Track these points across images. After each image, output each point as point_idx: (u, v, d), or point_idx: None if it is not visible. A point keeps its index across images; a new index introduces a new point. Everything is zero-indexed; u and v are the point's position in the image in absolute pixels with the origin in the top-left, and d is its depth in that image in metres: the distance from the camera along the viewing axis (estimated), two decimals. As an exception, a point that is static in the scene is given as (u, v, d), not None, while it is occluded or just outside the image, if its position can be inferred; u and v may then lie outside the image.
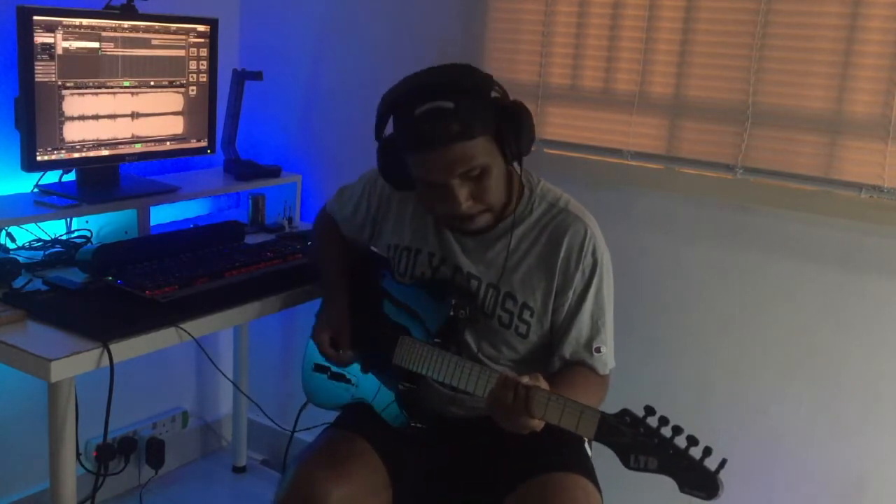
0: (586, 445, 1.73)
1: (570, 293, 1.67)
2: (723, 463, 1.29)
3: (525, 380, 1.43)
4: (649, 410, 1.34)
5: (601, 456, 1.69)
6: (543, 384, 1.44)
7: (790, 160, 1.89)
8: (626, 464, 1.33)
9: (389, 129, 1.64)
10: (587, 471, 1.63)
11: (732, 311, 1.99)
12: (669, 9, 1.98)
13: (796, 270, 1.91)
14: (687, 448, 1.30)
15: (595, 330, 1.68)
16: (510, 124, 1.57)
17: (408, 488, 1.67)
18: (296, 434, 1.98)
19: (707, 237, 2.00)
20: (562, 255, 1.66)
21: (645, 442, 1.32)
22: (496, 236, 1.70)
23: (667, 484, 1.32)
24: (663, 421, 1.32)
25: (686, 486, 1.30)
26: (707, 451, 1.30)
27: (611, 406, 1.42)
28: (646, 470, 1.32)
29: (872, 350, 1.84)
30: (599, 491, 1.61)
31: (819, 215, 1.86)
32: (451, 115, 1.51)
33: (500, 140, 1.57)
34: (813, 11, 1.83)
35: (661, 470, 1.31)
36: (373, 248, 1.87)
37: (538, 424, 1.43)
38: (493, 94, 1.58)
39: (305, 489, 1.56)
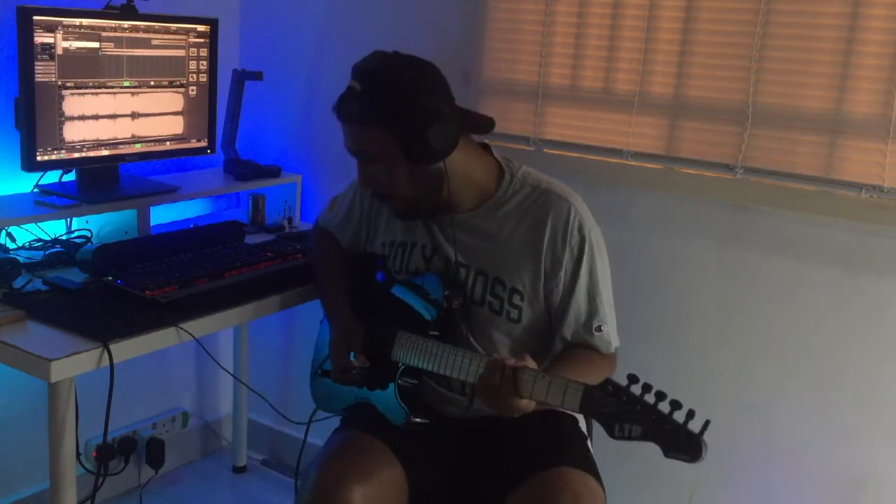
0: (588, 442, 1.73)
1: (562, 273, 1.66)
2: (706, 424, 1.28)
3: (511, 361, 1.43)
4: (632, 379, 1.33)
5: (602, 455, 1.69)
6: (531, 363, 1.44)
7: (790, 160, 1.89)
8: (612, 433, 1.33)
9: None
10: (591, 466, 1.63)
11: (732, 311, 1.99)
12: (669, 9, 1.98)
13: (796, 270, 1.91)
14: (671, 412, 1.29)
15: (593, 308, 1.67)
16: (411, 127, 1.57)
17: (422, 485, 1.67)
18: (300, 434, 1.96)
19: (707, 237, 2.00)
20: (547, 235, 1.65)
21: (628, 409, 1.31)
22: (478, 223, 1.70)
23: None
24: (646, 388, 1.32)
25: (670, 451, 1.29)
26: (690, 414, 1.29)
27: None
28: (630, 438, 1.31)
29: (872, 350, 1.84)
30: (602, 487, 1.61)
31: (819, 215, 1.86)
32: (354, 97, 1.60)
33: (400, 139, 1.59)
34: (813, 11, 1.83)
35: (645, 436, 1.30)
36: (369, 250, 1.87)
37: (528, 405, 1.43)
38: (415, 94, 1.57)
39: (330, 491, 1.54)
